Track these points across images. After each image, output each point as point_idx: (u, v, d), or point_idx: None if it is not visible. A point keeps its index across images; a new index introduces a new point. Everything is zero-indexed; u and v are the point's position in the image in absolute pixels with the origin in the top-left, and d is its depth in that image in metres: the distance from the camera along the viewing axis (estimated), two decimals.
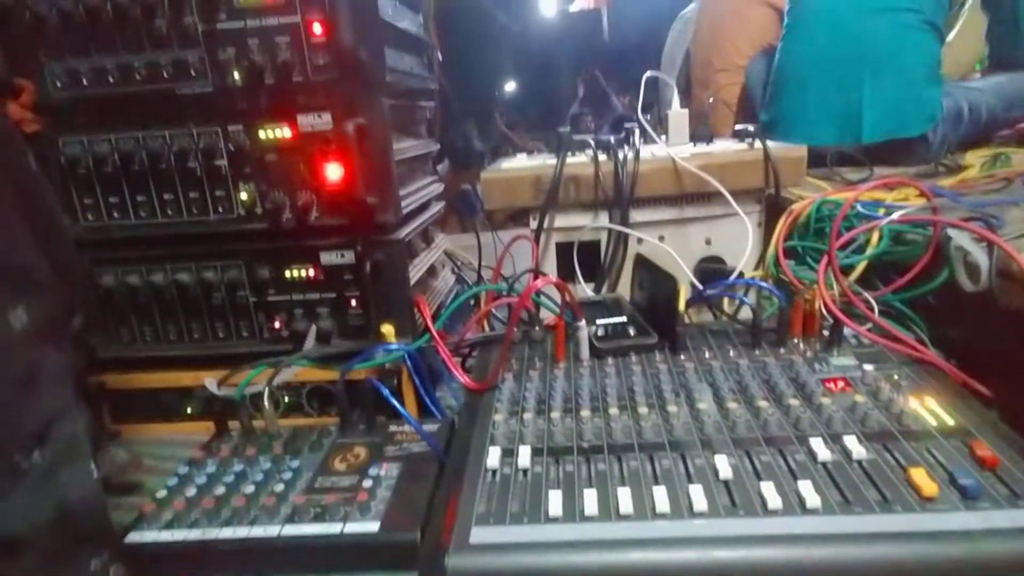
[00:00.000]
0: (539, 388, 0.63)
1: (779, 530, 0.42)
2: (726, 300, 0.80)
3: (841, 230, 0.73)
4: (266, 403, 0.61)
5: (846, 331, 0.66)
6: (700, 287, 0.72)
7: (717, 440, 0.52)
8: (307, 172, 0.69)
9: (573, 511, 0.46)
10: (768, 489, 0.45)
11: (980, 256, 0.58)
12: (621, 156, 0.83)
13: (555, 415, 0.57)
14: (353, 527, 0.48)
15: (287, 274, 0.72)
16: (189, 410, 0.76)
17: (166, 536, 0.49)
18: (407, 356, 0.69)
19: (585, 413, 0.57)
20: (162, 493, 0.53)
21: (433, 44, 0.85)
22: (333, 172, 0.69)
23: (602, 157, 0.84)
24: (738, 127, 0.90)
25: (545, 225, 0.85)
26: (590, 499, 0.46)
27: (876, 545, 0.41)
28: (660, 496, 0.46)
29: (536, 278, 0.76)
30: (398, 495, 0.51)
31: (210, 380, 0.64)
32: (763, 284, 0.71)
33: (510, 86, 2.46)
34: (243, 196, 0.70)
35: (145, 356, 0.75)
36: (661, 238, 0.83)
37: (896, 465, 0.47)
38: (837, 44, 1.16)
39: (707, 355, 0.67)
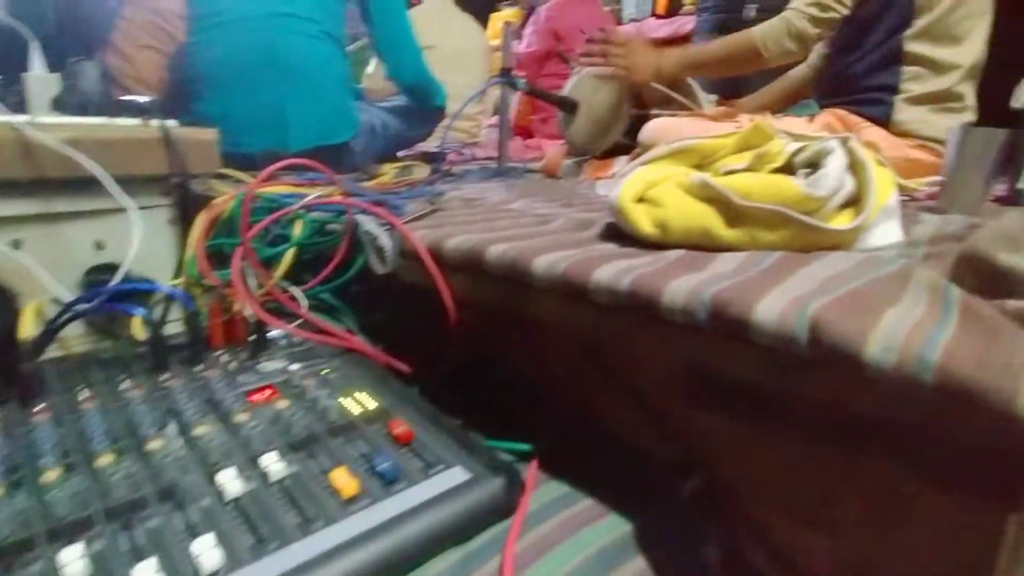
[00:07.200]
0: None
1: None
2: (138, 321, 0.60)
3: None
4: None
5: (276, 332, 0.58)
6: (70, 304, 0.50)
7: (73, 522, 0.34)
8: None
9: None
10: (145, 570, 0.30)
11: (385, 240, 0.59)
12: None
13: None
14: None
15: None
16: None
17: None
18: None
19: None
20: None
21: None
22: None
23: None
24: (123, 98, 0.69)
25: None
26: None
27: None
28: None
29: None
30: None
31: None
32: (170, 291, 0.56)
33: None
34: None
35: None
36: (16, 243, 0.56)
37: (319, 472, 0.40)
38: (253, 48, 1.11)
39: (81, 398, 0.46)
